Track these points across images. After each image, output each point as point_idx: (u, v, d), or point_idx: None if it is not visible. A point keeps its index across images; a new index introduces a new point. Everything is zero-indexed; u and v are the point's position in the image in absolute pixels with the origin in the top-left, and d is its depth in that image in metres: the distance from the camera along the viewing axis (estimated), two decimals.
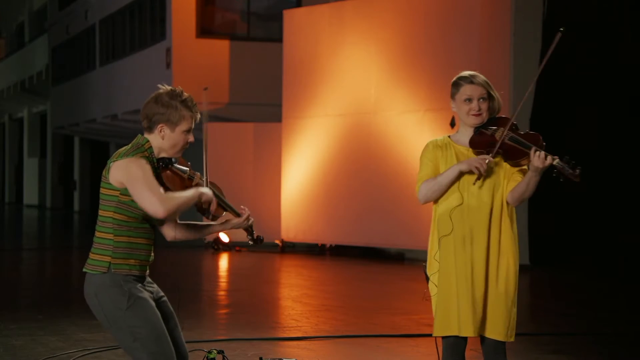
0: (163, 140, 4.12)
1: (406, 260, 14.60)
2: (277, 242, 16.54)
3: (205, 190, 4.15)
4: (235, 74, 19.70)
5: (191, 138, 4.18)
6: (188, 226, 4.33)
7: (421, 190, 4.33)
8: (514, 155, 4.20)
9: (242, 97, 19.68)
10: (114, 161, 4.05)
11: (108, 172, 4.05)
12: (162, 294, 4.26)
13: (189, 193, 4.08)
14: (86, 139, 31.86)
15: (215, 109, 19.01)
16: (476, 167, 4.18)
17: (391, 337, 7.74)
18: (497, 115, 4.36)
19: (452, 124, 4.43)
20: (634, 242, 14.23)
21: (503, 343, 4.30)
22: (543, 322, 8.82)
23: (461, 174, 4.26)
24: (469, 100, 4.29)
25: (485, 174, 4.21)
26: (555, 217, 13.91)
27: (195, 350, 6.35)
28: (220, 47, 19.63)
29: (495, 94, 4.35)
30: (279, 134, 16.35)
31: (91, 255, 4.10)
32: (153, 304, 4.09)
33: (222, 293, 11.36)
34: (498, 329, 4.26)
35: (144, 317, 4.01)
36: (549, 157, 4.09)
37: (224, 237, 16.43)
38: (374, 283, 12.15)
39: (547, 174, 4.19)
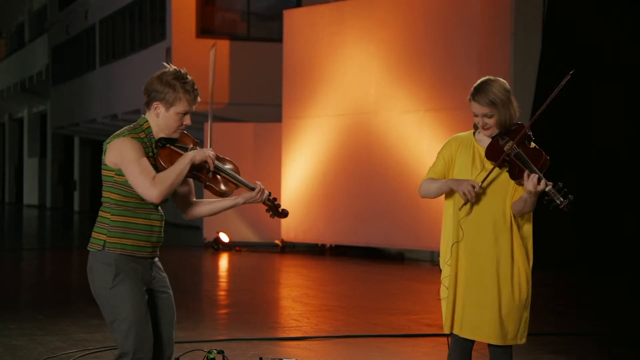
0: (158, 118, 4.15)
1: (406, 260, 14.60)
2: (277, 242, 16.55)
3: (193, 153, 4.10)
4: (235, 74, 19.70)
5: (187, 121, 4.17)
6: (203, 203, 4.33)
7: (422, 186, 4.44)
8: (516, 175, 4.22)
9: (242, 97, 19.68)
10: (108, 142, 4.11)
11: (104, 154, 4.12)
12: (165, 287, 4.26)
13: (178, 165, 4.07)
14: (86, 139, 31.86)
15: (215, 109, 19.01)
16: (464, 193, 4.22)
17: (391, 337, 7.74)
18: (516, 123, 4.36)
19: (475, 127, 4.45)
20: (634, 242, 14.22)
21: (509, 346, 4.34)
22: (543, 322, 8.81)
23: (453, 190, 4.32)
24: (476, 115, 4.35)
25: (473, 201, 4.23)
26: (555, 217, 13.89)
27: (195, 350, 6.36)
28: (221, 47, 19.63)
29: (507, 106, 4.30)
30: (279, 134, 16.35)
31: (92, 234, 4.17)
32: (140, 287, 4.11)
33: (222, 293, 11.36)
34: (509, 334, 4.31)
35: (126, 299, 4.05)
36: (542, 183, 4.10)
37: (224, 237, 16.43)
38: (374, 283, 12.14)
39: (541, 198, 4.20)
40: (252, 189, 4.25)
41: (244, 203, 4.28)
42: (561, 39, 13.90)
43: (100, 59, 26.01)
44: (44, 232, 24.85)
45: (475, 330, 4.28)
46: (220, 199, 4.31)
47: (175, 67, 4.19)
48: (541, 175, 4.13)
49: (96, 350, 6.91)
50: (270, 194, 4.31)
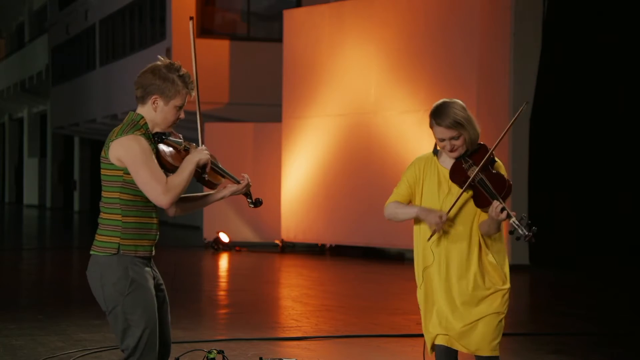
0: (155, 112, 4.08)
1: (406, 260, 14.60)
2: (277, 242, 16.55)
3: (197, 156, 4.07)
4: (235, 74, 19.69)
5: (182, 115, 4.13)
6: (188, 199, 4.25)
7: (387, 208, 4.51)
8: (480, 203, 4.22)
9: (242, 97, 19.67)
10: (112, 140, 3.99)
11: (108, 151, 4.00)
12: (162, 285, 4.22)
13: (187, 170, 4.03)
14: (86, 139, 31.86)
15: (215, 109, 19.01)
16: (432, 225, 4.25)
17: (391, 337, 7.74)
18: (479, 143, 4.33)
19: (435, 151, 4.41)
20: (634, 242, 14.23)
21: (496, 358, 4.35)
22: (543, 322, 8.82)
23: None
24: (442, 140, 4.30)
25: (440, 232, 4.26)
26: (555, 217, 13.91)
27: (195, 350, 6.36)
28: (220, 47, 19.63)
29: (471, 125, 4.27)
30: (279, 134, 16.34)
31: (98, 237, 4.04)
32: (153, 293, 4.06)
33: (222, 293, 11.36)
34: (487, 346, 4.28)
35: (142, 306, 3.99)
36: (504, 213, 4.09)
37: (224, 237, 16.43)
38: (374, 283, 12.14)
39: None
40: (238, 182, 4.22)
41: (230, 195, 4.25)
42: (561, 39, 13.90)
43: (100, 59, 26.00)
44: (44, 232, 24.85)
45: (465, 345, 4.30)
46: (206, 192, 4.27)
47: (168, 60, 4.14)
48: (504, 205, 4.11)
49: (96, 350, 6.90)
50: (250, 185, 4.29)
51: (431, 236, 4.29)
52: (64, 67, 30.30)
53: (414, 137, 14.15)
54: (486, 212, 4.22)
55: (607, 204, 14.49)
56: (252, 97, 19.68)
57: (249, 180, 4.25)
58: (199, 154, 4.08)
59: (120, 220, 4.00)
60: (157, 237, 4.14)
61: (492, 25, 13.71)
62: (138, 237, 4.02)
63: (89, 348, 6.96)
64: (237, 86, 19.66)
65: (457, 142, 4.27)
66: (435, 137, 4.32)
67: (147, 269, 4.08)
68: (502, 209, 4.08)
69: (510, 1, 13.80)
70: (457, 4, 13.97)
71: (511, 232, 4.12)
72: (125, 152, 3.94)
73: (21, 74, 36.19)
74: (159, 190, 3.93)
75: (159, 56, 4.21)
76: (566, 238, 13.85)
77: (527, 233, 4.06)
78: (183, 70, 4.12)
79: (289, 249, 16.57)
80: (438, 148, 4.39)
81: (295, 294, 10.99)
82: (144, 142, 3.97)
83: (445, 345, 4.32)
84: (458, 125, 4.24)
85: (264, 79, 19.43)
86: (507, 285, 4.31)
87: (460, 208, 4.28)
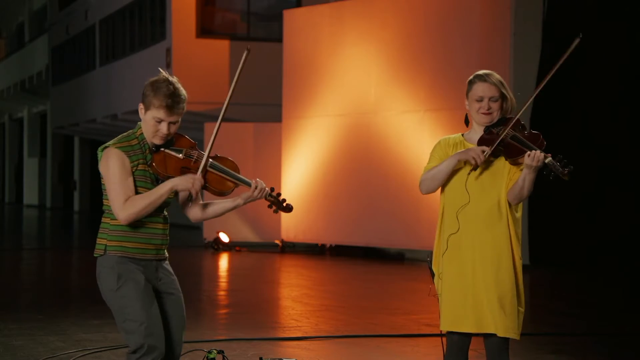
0: (142, 121, 4.17)
1: (406, 260, 14.59)
2: (277, 242, 16.55)
3: (175, 182, 4.06)
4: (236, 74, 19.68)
5: (163, 129, 4.09)
6: (206, 206, 4.28)
7: (422, 179, 4.38)
8: (512, 153, 4.23)
9: (242, 97, 19.61)
10: (101, 150, 4.14)
11: (99, 162, 4.15)
12: (173, 288, 4.25)
13: (156, 192, 4.07)
14: (86, 139, 31.87)
15: (215, 108, 19.01)
16: (473, 158, 4.21)
17: (391, 337, 7.74)
18: (508, 116, 4.37)
19: (467, 122, 4.44)
20: (634, 241, 14.23)
21: (507, 341, 4.31)
22: (543, 322, 8.82)
23: (459, 164, 4.29)
24: (480, 99, 4.31)
25: (481, 165, 4.23)
26: (555, 217, 13.91)
27: (195, 350, 6.36)
28: (220, 47, 19.63)
29: (510, 94, 4.36)
30: (279, 134, 16.35)
31: (97, 240, 4.21)
32: (145, 284, 4.11)
33: (222, 293, 11.36)
34: (503, 325, 4.25)
35: (133, 298, 4.06)
36: (542, 155, 4.12)
37: (224, 237, 16.44)
38: (374, 283, 12.14)
39: (541, 175, 4.22)
40: (250, 187, 4.19)
41: (244, 203, 4.23)
42: (561, 39, 13.90)
43: (100, 59, 26.00)
44: (44, 232, 24.85)
45: (479, 322, 4.25)
46: (220, 200, 4.27)
47: (166, 75, 4.15)
48: (537, 149, 4.14)
49: (96, 350, 6.90)
50: (273, 189, 4.25)
51: (472, 170, 4.23)
52: (64, 67, 30.30)
53: (414, 137, 14.15)
54: (517, 163, 4.21)
55: (607, 205, 14.49)
56: (252, 97, 19.67)
57: (263, 185, 4.19)
58: (178, 180, 4.08)
59: (109, 224, 4.15)
60: (162, 242, 4.21)
61: (492, 25, 13.72)
62: (124, 239, 4.11)
63: (89, 348, 6.96)
64: (237, 86, 19.64)
65: (494, 105, 4.30)
66: (472, 100, 4.34)
67: (139, 267, 4.12)
68: (539, 154, 4.09)
69: (510, 1, 13.80)
70: (457, 4, 13.98)
71: (548, 173, 4.13)
72: (101, 165, 4.11)
73: (21, 74, 36.19)
74: (119, 204, 4.04)
75: (161, 69, 4.23)
76: (566, 238, 13.86)
77: (562, 169, 4.08)
78: (173, 87, 4.10)
79: (289, 249, 16.57)
80: (470, 116, 4.37)
81: (295, 294, 10.99)
82: (119, 156, 4.06)
83: (458, 332, 4.29)
84: (502, 85, 4.31)
85: (264, 79, 19.43)
86: (521, 263, 4.32)
87: (488, 177, 4.27)
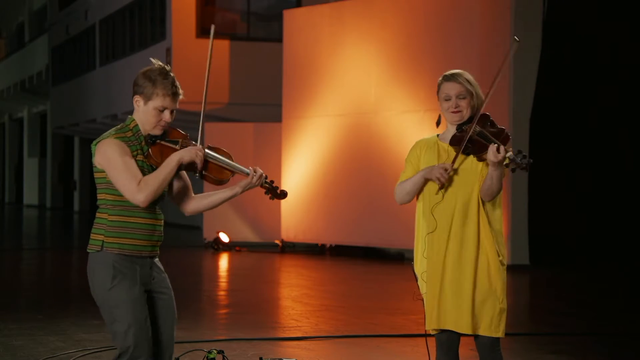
0: (138, 113, 4.14)
1: (406, 260, 14.59)
2: (277, 242, 16.55)
3: (181, 154, 4.07)
4: (235, 74, 19.69)
5: (166, 118, 4.13)
6: (202, 197, 4.30)
7: (396, 191, 4.48)
8: (477, 150, 4.27)
9: (242, 97, 19.67)
10: (95, 144, 4.10)
11: (93, 156, 4.11)
12: (165, 287, 4.25)
13: (165, 167, 4.05)
14: (86, 139, 31.86)
15: (215, 108, 19.01)
16: (437, 177, 4.25)
17: (391, 337, 7.74)
18: (481, 112, 4.38)
19: (438, 123, 4.48)
20: (634, 242, 14.24)
21: (497, 341, 4.31)
22: (543, 322, 8.82)
23: (427, 180, 4.35)
24: (448, 97, 4.36)
25: (446, 183, 4.26)
26: (555, 217, 13.92)
27: (195, 350, 6.36)
28: (220, 47, 19.62)
29: (477, 91, 4.40)
30: (279, 134, 16.35)
31: (90, 235, 4.16)
32: (139, 288, 4.10)
33: (222, 293, 11.36)
34: (484, 325, 4.27)
35: (124, 300, 4.04)
36: (502, 150, 4.14)
37: (224, 237, 16.44)
38: (374, 283, 12.14)
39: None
40: (248, 174, 4.23)
41: (242, 191, 4.26)
42: (561, 39, 13.91)
43: (100, 59, 26.00)
44: (44, 232, 24.85)
45: (458, 322, 4.27)
46: (217, 190, 4.29)
47: (161, 64, 4.16)
48: (500, 144, 4.16)
49: (96, 350, 6.91)
50: (267, 176, 4.29)
51: (439, 189, 4.29)
52: (64, 67, 30.30)
53: (414, 137, 14.04)
54: (482, 159, 4.24)
55: (607, 204, 14.49)
56: (252, 97, 19.68)
57: (261, 171, 4.25)
58: (183, 152, 4.10)
59: (106, 219, 4.11)
60: (157, 238, 4.19)
61: (492, 25, 13.71)
62: (122, 236, 4.09)
63: (89, 348, 6.96)
64: (237, 86, 19.66)
65: (462, 103, 4.35)
66: (441, 100, 4.40)
67: (136, 266, 4.11)
68: (498, 148, 4.12)
69: (510, 1, 13.80)
70: (457, 4, 13.97)
71: (509, 166, 4.16)
72: (101, 156, 4.05)
73: (21, 74, 36.19)
74: (132, 187, 3.99)
75: (152, 59, 4.21)
76: (566, 238, 13.86)
77: (521, 162, 4.10)
78: (171, 75, 4.14)
79: (289, 249, 16.57)
80: (440, 114, 4.43)
81: (295, 294, 10.99)
82: (119, 144, 4.04)
83: (447, 330, 4.29)
84: (468, 83, 4.37)
85: (264, 79, 19.44)
86: (502, 260, 4.31)
87: (461, 174, 4.30)
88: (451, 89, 4.37)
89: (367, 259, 15.09)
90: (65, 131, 31.11)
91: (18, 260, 15.30)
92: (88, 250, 4.16)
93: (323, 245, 16.26)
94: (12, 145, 42.56)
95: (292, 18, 16.38)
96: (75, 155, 33.35)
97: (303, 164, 15.79)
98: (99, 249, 4.09)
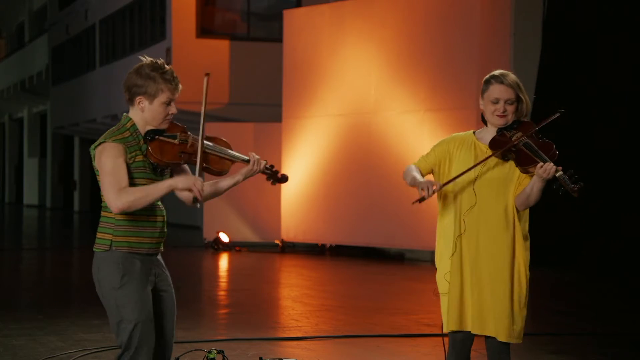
0: (143, 112, 4.12)
1: (406, 260, 14.60)
2: (277, 242, 16.55)
3: (174, 182, 4.05)
4: (235, 74, 19.69)
5: (172, 110, 4.15)
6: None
7: (405, 170, 4.47)
8: (523, 162, 4.18)
9: (242, 97, 19.67)
10: (94, 148, 4.10)
11: (93, 159, 4.12)
12: (167, 285, 4.25)
13: (155, 188, 4.03)
14: (86, 138, 31.86)
15: (215, 109, 19.01)
16: (422, 189, 4.19)
17: (391, 337, 7.74)
18: (523, 119, 4.31)
19: (484, 121, 4.36)
20: (634, 242, 14.23)
21: (507, 344, 4.32)
22: (543, 322, 8.81)
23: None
24: (496, 101, 4.25)
25: (428, 197, 4.20)
26: (555, 217, 13.91)
27: (195, 350, 6.36)
28: (220, 47, 19.63)
29: (525, 97, 4.30)
30: (279, 134, 16.35)
31: (97, 235, 4.16)
32: (147, 288, 4.11)
33: (222, 293, 11.36)
34: (506, 330, 4.27)
35: (133, 299, 4.04)
36: (553, 169, 4.09)
37: (224, 237, 16.44)
38: (374, 283, 12.14)
39: (549, 185, 4.21)
40: (247, 162, 4.23)
41: (244, 179, 4.26)
42: (561, 39, 13.90)
43: (100, 59, 26.01)
44: (44, 232, 24.85)
45: (482, 324, 4.25)
46: (218, 179, 4.29)
47: (151, 59, 4.15)
48: (550, 161, 4.11)
49: (96, 350, 6.91)
50: (266, 162, 4.29)
51: (417, 201, 4.24)
52: (64, 67, 30.30)
53: (414, 137, 14.15)
54: (527, 172, 4.18)
55: (607, 204, 14.48)
56: (252, 97, 19.68)
57: (258, 157, 4.24)
58: (178, 180, 4.06)
59: (114, 218, 4.10)
60: (160, 235, 4.20)
61: (492, 25, 13.72)
62: (131, 234, 4.09)
63: (89, 348, 6.96)
64: (237, 86, 19.66)
65: (510, 108, 4.24)
66: (487, 101, 4.26)
67: (144, 265, 4.12)
68: (550, 167, 4.06)
69: (510, 1, 13.80)
70: (457, 3, 13.98)
71: (557, 188, 4.11)
72: (97, 160, 4.07)
73: (21, 74, 36.19)
74: (113, 193, 3.96)
75: (141, 57, 4.19)
76: (566, 238, 13.85)
77: (573, 186, 4.05)
78: (166, 67, 4.14)
79: (289, 249, 16.57)
80: (485, 117, 4.31)
81: (295, 294, 10.99)
82: (115, 148, 4.03)
83: (462, 330, 4.29)
84: (518, 87, 4.24)
85: (264, 79, 19.44)
86: (527, 267, 4.38)
87: (498, 180, 4.24)
88: (502, 92, 4.22)
89: (367, 259, 15.09)
90: (65, 131, 31.11)
91: (18, 260, 15.29)
92: (95, 250, 4.15)
93: (323, 245, 16.26)
94: (12, 145, 42.56)
95: (292, 18, 16.39)
96: (75, 155, 33.35)
97: (303, 164, 15.79)
98: (108, 248, 4.09)
